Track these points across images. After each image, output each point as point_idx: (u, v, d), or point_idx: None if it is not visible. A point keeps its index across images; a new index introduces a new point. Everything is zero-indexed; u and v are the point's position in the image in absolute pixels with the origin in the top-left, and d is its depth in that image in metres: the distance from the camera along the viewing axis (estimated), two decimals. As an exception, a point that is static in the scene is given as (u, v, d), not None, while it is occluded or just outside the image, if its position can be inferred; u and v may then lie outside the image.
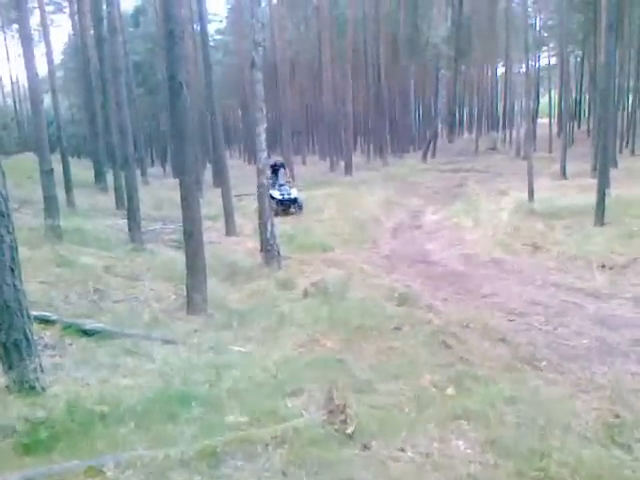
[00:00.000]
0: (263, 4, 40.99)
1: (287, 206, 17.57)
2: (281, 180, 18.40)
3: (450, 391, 4.76)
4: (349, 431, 3.84)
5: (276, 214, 14.73)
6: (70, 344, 5.49)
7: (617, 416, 4.45)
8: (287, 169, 19.31)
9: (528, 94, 23.12)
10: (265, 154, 10.08)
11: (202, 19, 16.32)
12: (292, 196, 17.68)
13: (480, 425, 4.14)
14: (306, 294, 7.73)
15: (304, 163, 35.43)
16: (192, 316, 6.72)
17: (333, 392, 4.13)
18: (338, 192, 20.01)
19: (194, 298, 6.84)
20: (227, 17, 55.43)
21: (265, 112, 10.39)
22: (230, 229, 13.18)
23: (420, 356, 5.51)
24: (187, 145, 7.16)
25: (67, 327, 5.70)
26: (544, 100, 54.93)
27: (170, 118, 8.59)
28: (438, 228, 14.87)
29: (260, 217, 9.92)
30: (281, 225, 12.44)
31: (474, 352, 5.75)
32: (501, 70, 49.90)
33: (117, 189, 15.56)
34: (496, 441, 3.92)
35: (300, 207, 17.59)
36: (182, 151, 7.25)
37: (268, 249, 9.61)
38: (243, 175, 23.24)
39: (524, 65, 30.38)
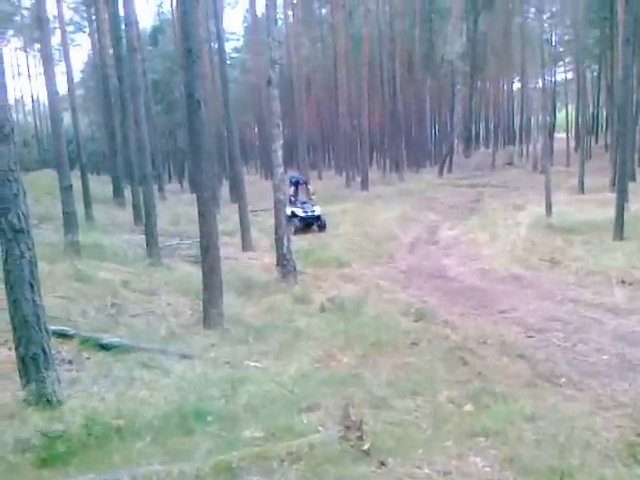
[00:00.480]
0: (279, 22, 41.70)
1: (310, 224, 17.09)
2: (303, 197, 18.06)
3: (468, 408, 4.71)
4: (365, 447, 3.80)
5: (295, 232, 14.82)
6: (88, 358, 5.53)
7: (638, 434, 4.37)
8: (309, 186, 18.55)
9: (544, 109, 22.99)
10: (281, 170, 10.15)
11: (219, 37, 16.58)
12: (315, 213, 17.08)
13: (499, 442, 4.09)
14: (322, 309, 7.73)
15: (320, 178, 35.51)
16: (208, 331, 6.73)
17: (349, 408, 4.10)
18: (354, 207, 20.01)
19: (210, 313, 6.87)
20: (244, 35, 56.12)
21: (281, 128, 10.47)
22: (247, 244, 13.23)
23: (437, 372, 5.46)
24: (204, 161, 7.23)
25: (85, 341, 5.75)
26: (561, 115, 54.70)
27: (188, 135, 8.69)
28: (455, 243, 14.79)
29: (276, 232, 9.95)
30: (298, 240, 12.47)
31: (492, 368, 5.69)
32: (517, 85, 49.91)
33: (135, 205, 15.71)
34: (515, 459, 3.86)
35: (323, 225, 17.01)
36: (199, 167, 7.31)
37: (284, 264, 9.63)
38: (260, 191, 23.38)
39: (540, 80, 30.30)
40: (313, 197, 17.97)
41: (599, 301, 8.34)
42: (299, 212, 16.61)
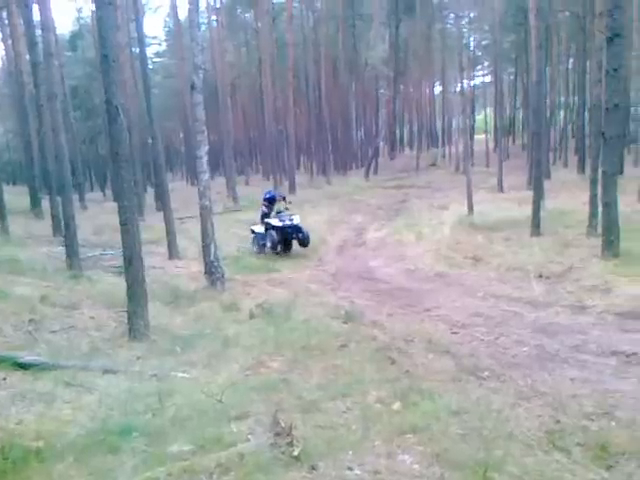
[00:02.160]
0: (203, 27, 41.25)
1: (288, 236, 14.65)
2: (278, 208, 15.61)
3: (396, 406, 4.78)
4: (296, 453, 3.78)
5: (274, 247, 13.82)
6: (4, 379, 5.24)
7: (558, 422, 4.56)
8: (286, 201, 15.72)
9: (464, 112, 23.80)
10: (207, 176, 10.01)
11: (140, 42, 16.16)
12: (295, 222, 14.55)
13: (426, 439, 4.17)
14: (252, 316, 7.67)
15: (247, 183, 35.30)
16: (134, 343, 6.54)
17: (278, 414, 4.09)
18: (282, 211, 19.95)
19: (136, 324, 6.68)
20: (166, 40, 55.13)
21: (206, 134, 10.33)
22: (173, 253, 12.95)
23: (366, 373, 5.51)
24: (124, 169, 7.01)
25: (1, 361, 5.46)
26: (480, 117, 56.76)
27: (108, 142, 8.43)
28: (382, 244, 15.06)
29: (203, 239, 9.80)
30: (225, 247, 12.33)
31: (419, 366, 5.81)
32: (439, 89, 51.40)
33: (54, 216, 15.11)
34: (442, 454, 3.95)
35: (306, 238, 14.58)
36: (119, 175, 7.09)
37: (212, 271, 9.50)
38: (186, 197, 22.96)
39: (460, 84, 31.37)
40: (288, 206, 15.52)
41: (519, 295, 8.70)
42: (275, 222, 14.36)
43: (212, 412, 4.55)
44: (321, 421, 4.44)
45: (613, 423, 4.60)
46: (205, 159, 9.89)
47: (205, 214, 9.86)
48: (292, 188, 28.12)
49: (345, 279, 11.24)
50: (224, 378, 5.31)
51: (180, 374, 5.53)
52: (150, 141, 17.35)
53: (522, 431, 4.41)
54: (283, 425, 3.98)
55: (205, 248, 9.73)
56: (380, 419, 4.55)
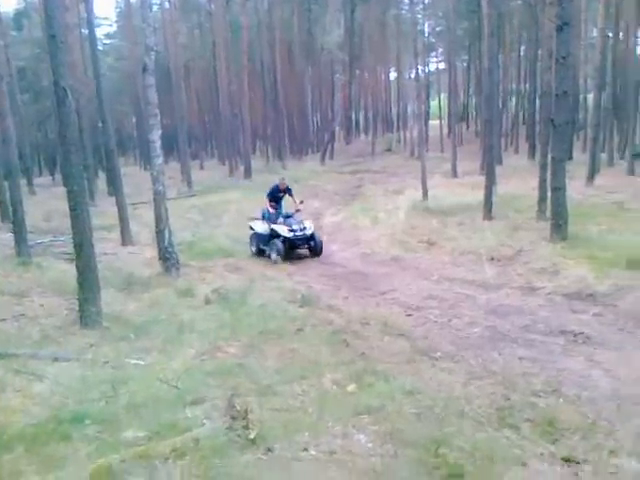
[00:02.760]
0: (155, 8, 40.30)
1: (298, 245, 12.18)
2: (286, 210, 12.96)
3: (352, 388, 4.84)
4: (251, 436, 3.80)
5: (277, 256, 11.58)
6: (-49, 368, 5.10)
7: (508, 399, 4.71)
8: (293, 194, 13.17)
9: (419, 97, 23.96)
10: (160, 160, 9.82)
11: (90, 23, 15.69)
12: (307, 232, 12.05)
13: (381, 418, 4.25)
14: (207, 301, 7.62)
15: (202, 168, 34.82)
16: (86, 330, 6.41)
17: (234, 398, 4.09)
18: (238, 197, 19.79)
19: (88, 312, 6.54)
20: (117, 21, 53.60)
21: (159, 118, 10.12)
22: (126, 239, 12.70)
23: (322, 356, 5.56)
24: (73, 153, 6.83)
25: (-53, 350, 5.30)
26: (435, 103, 57.32)
27: (57, 125, 8.18)
28: (338, 229, 15.11)
29: (157, 225, 9.64)
30: (180, 232, 12.15)
31: (374, 348, 5.89)
32: (394, 74, 51.65)
33: (1, 201, 14.61)
34: (396, 433, 4.04)
35: (319, 247, 12.19)
36: (68, 159, 6.90)
37: (166, 257, 9.36)
38: (139, 183, 22.52)
39: (414, 70, 31.55)
40: (300, 207, 12.80)
41: (471, 278, 8.89)
42: (282, 230, 11.87)
43: (167, 398, 4.52)
44: (277, 404, 4.47)
45: (560, 400, 4.78)
46: (158, 143, 9.69)
47: (159, 199, 9.69)
48: (248, 173, 27.87)
49: (301, 264, 11.27)
50: (179, 364, 5.28)
51: (134, 361, 5.46)
52: (100, 125, 16.87)
53: (473, 409, 4.55)
54: (239, 409, 3.98)
55: (159, 234, 9.56)
56: (336, 401, 4.61)
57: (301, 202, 12.99)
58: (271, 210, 12.71)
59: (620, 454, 3.83)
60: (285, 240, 11.80)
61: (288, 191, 13.34)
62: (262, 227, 12.42)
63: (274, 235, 11.94)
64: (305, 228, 12.02)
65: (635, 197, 13.18)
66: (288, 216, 12.38)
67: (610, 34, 20.46)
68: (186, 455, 3.57)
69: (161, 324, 6.68)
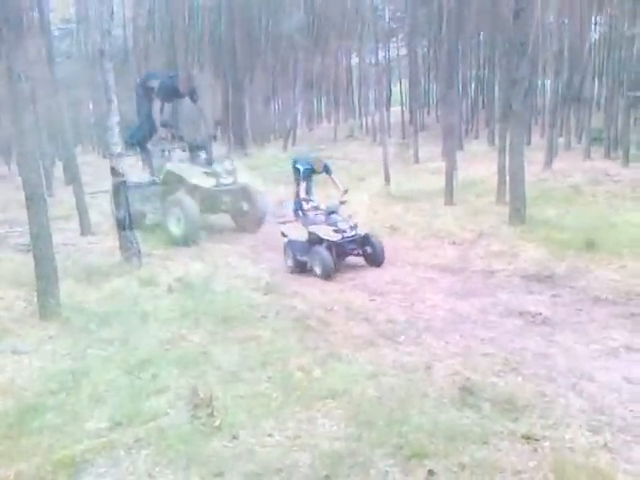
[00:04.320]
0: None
1: (348, 250, 8.82)
2: (323, 202, 9.49)
3: (316, 373, 4.88)
4: (216, 423, 3.81)
5: (325, 271, 8.28)
6: None
7: (468, 379, 4.81)
8: (334, 177, 10.26)
9: (380, 83, 24.03)
10: (119, 148, 9.63)
11: (44, 5, 15.27)
12: (361, 232, 8.84)
13: (344, 402, 4.31)
14: (170, 290, 7.53)
15: (163, 155, 34.25)
16: (45, 322, 6.28)
17: (198, 387, 4.08)
18: (200, 184, 19.50)
19: (47, 303, 6.41)
20: (73, 4, 52.06)
21: (117, 103, 9.92)
22: (85, 228, 12.43)
23: (287, 342, 5.59)
24: (28, 140, 6.66)
25: None
26: (396, 89, 57.49)
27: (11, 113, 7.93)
28: None
29: (116, 213, 9.46)
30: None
31: (338, 333, 5.95)
32: (355, 60, 51.53)
33: (-47, 192, 14.19)
34: (360, 415, 4.10)
35: (378, 252, 8.81)
36: (23, 147, 6.73)
37: (128, 247, 9.21)
38: (98, 171, 22.03)
39: (375, 55, 31.62)
40: (345, 198, 9.44)
41: (434, 262, 9.01)
42: (326, 233, 8.55)
43: (130, 388, 4.49)
44: (242, 391, 4.48)
45: (519, 378, 4.91)
46: (116, 130, 9.48)
47: (118, 189, 9.51)
48: (209, 160, 27.61)
49: (266, 251, 11.22)
50: (142, 354, 5.23)
51: (96, 352, 5.39)
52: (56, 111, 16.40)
53: (435, 390, 4.65)
54: (203, 397, 3.98)
55: (119, 223, 9.41)
56: (300, 386, 4.64)
57: (345, 191, 9.56)
58: (305, 205, 9.13)
59: (576, 429, 3.97)
60: (331, 246, 8.54)
61: (326, 171, 10.22)
62: (297, 231, 9.00)
63: (315, 241, 8.64)
64: (356, 226, 8.82)
65: (591, 180, 13.53)
66: (332, 212, 9.00)
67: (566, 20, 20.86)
68: (150, 444, 3.57)
69: (123, 314, 6.56)
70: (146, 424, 3.82)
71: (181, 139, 8.77)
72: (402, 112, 38.09)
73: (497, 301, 6.98)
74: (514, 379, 4.80)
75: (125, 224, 8.61)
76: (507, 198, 11.09)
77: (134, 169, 9.42)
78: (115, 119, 9.52)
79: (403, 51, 52.16)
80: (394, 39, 53.01)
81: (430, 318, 6.47)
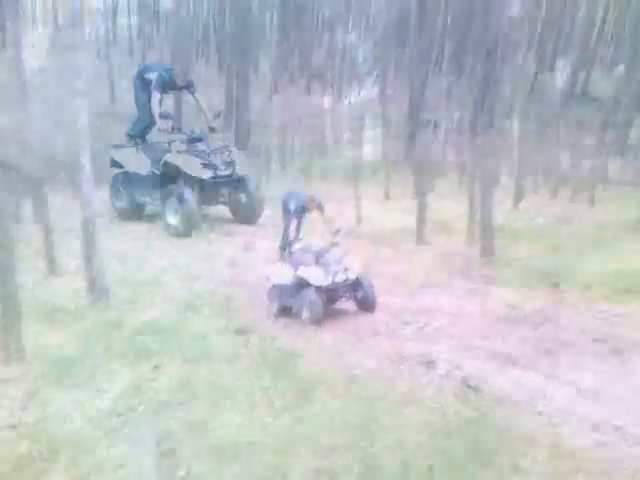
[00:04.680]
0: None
1: (340, 297, 8.25)
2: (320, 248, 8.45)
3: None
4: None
5: (314, 317, 7.67)
6: None
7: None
8: (323, 211, 9.29)
9: (353, 123, 24.20)
10: (90, 185, 9.45)
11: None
12: (352, 275, 8.13)
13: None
14: (138, 333, 7.38)
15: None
16: (6, 368, 6.09)
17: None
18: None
19: (8, 347, 6.22)
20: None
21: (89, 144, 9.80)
22: (52, 268, 12.17)
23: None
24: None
25: None
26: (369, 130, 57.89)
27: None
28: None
29: (85, 253, 9.28)
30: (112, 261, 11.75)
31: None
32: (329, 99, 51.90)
33: None
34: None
35: (369, 297, 8.29)
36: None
37: (95, 288, 9.03)
38: (68, 208, 21.67)
39: (349, 96, 31.84)
40: (337, 238, 8.77)
41: (404, 305, 8.97)
42: (315, 276, 7.89)
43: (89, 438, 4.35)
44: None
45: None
46: (87, 167, 9.36)
47: (88, 226, 9.36)
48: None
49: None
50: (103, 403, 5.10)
51: (59, 397, 5.22)
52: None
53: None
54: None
55: (87, 262, 9.23)
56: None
57: (337, 231, 8.89)
58: (294, 245, 8.62)
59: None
60: (321, 290, 7.93)
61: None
62: (283, 274, 8.28)
63: (303, 284, 8.05)
64: (347, 270, 8.19)
65: (558, 220, 13.81)
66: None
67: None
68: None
69: (89, 357, 6.43)
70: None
71: (179, 131, 8.88)
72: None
73: (467, 342, 7.04)
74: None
75: (125, 215, 8.45)
76: (477, 238, 11.25)
77: (134, 160, 9.16)
78: (87, 155, 9.34)
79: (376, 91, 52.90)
80: (369, 80, 54.08)
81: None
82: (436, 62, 31.99)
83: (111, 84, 23.54)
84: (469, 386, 5.65)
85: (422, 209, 12.73)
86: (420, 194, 13.48)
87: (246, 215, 9.17)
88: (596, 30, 32.08)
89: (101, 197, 12.06)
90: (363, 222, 15.30)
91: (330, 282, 7.98)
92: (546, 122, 21.98)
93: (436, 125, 24.72)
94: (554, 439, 4.65)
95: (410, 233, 12.75)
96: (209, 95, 19.37)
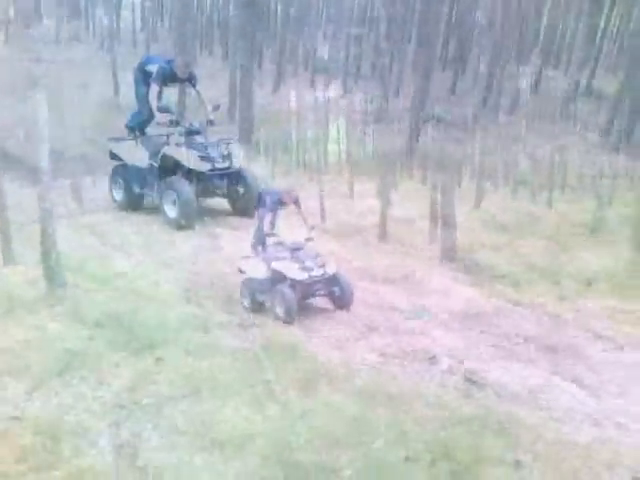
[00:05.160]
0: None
1: (315, 293, 8.20)
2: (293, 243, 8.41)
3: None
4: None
5: (290, 319, 7.56)
6: None
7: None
8: (301, 208, 8.78)
9: (317, 123, 24.25)
10: (47, 177, 9.26)
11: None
12: (330, 270, 8.11)
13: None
14: (97, 324, 7.25)
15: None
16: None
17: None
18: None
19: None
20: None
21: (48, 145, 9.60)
22: (8, 258, 11.87)
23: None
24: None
25: None
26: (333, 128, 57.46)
27: None
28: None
29: (43, 245, 9.10)
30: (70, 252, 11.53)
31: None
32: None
33: None
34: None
35: (346, 294, 8.23)
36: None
37: (53, 278, 8.85)
38: (25, 200, 21.14)
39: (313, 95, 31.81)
40: (312, 234, 8.66)
41: (369, 301, 9.06)
42: (291, 270, 7.82)
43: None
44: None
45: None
46: (46, 160, 9.17)
47: (46, 218, 9.17)
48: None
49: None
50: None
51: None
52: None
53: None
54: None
55: (45, 254, 9.05)
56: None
57: (312, 228, 8.81)
58: (269, 240, 8.39)
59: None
60: (296, 285, 7.75)
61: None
62: (257, 267, 8.14)
63: (277, 279, 7.87)
64: (324, 265, 8.03)
65: (517, 222, 14.12)
66: (297, 248, 8.25)
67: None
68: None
69: (43, 352, 6.29)
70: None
71: (177, 124, 8.77)
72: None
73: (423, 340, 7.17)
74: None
75: (124, 207, 8.35)
76: (439, 237, 11.43)
77: (133, 152, 8.97)
78: (45, 149, 9.14)
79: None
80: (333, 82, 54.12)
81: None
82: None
83: (115, 77, 23.11)
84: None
85: (384, 207, 12.86)
86: (383, 193, 13.62)
87: (244, 207, 9.14)
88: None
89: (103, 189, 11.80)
90: (327, 218, 15.37)
91: (307, 277, 7.82)
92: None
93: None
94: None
95: (373, 230, 12.86)
96: (215, 87, 19.05)
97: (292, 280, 7.79)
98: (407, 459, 3.84)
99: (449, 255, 10.79)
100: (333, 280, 8.19)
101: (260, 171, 9.48)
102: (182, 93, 10.29)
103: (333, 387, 4.86)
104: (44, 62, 21.53)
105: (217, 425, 4.08)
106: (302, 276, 7.80)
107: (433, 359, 5.92)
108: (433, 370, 5.64)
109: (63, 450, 3.71)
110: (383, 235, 12.43)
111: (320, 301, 8.38)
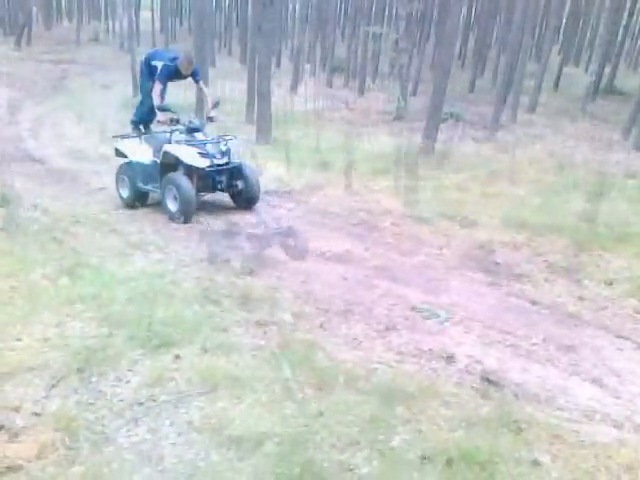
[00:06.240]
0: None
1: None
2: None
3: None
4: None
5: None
6: None
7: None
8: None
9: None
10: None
11: None
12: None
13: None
14: None
15: None
16: None
17: None
18: None
19: None
20: None
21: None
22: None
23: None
24: None
25: None
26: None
27: None
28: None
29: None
30: None
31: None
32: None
33: None
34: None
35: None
36: None
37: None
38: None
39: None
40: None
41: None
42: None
43: None
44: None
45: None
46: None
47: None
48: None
49: None
50: None
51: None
52: None
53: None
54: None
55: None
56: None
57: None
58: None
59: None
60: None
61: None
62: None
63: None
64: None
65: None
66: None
67: None
68: None
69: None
70: None
71: (177, 122, 8.85)
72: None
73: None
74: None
75: (130, 203, 9.26)
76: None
77: (137, 150, 9.21)
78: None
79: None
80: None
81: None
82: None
83: (134, 76, 23.04)
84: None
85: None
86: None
87: (245, 201, 9.21)
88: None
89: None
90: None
91: (209, 164, 6.76)
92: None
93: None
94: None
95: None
96: (234, 87, 18.85)
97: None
98: (423, 458, 3.80)
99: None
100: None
101: (277, 171, 9.67)
102: (198, 90, 10.41)
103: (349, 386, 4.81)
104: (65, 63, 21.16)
105: (233, 422, 4.07)
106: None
107: (450, 358, 5.83)
108: (450, 369, 5.55)
109: (82, 446, 3.73)
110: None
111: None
